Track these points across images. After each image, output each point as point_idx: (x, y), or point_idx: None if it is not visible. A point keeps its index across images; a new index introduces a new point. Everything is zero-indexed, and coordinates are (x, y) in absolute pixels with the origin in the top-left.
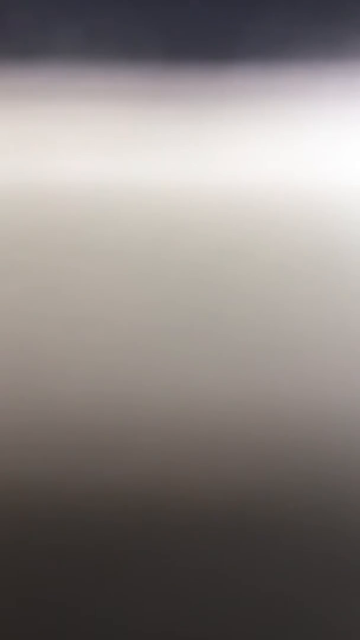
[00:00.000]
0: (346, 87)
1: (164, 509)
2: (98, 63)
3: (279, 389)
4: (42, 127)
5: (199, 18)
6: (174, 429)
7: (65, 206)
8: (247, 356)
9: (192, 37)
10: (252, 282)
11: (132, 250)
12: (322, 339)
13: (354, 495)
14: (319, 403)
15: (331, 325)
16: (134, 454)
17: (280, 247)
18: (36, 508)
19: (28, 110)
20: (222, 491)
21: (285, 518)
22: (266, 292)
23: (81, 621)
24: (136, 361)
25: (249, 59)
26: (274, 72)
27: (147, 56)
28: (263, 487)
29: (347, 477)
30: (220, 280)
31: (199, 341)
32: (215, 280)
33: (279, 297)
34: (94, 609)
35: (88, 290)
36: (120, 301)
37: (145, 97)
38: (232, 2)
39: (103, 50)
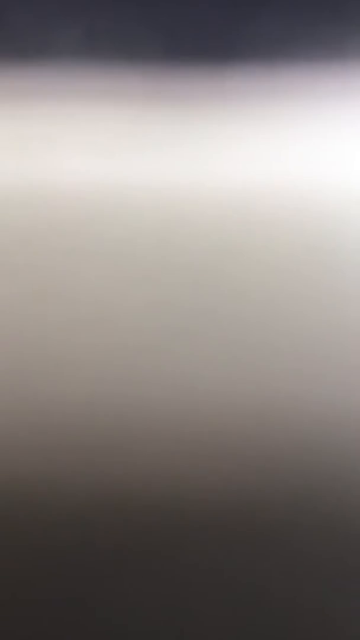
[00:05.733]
0: (347, 88)
1: (164, 509)
2: (98, 63)
3: (280, 389)
4: (42, 127)
5: (199, 18)
6: (174, 429)
7: (65, 206)
8: (248, 356)
9: (192, 37)
10: (252, 283)
11: (132, 251)
12: (323, 339)
13: (354, 495)
14: (319, 403)
15: (332, 325)
16: (135, 455)
17: (281, 247)
18: (37, 508)
19: (28, 110)
20: (223, 491)
21: (286, 518)
22: (266, 293)
23: (81, 621)
24: (137, 362)
25: (249, 59)
26: (274, 72)
27: (147, 56)
28: (264, 488)
29: (348, 476)
30: (220, 280)
31: (200, 341)
32: (215, 281)
33: (279, 298)
34: (94, 609)
35: (88, 290)
36: (121, 301)
37: (145, 97)
38: (232, 2)
39: (103, 50)
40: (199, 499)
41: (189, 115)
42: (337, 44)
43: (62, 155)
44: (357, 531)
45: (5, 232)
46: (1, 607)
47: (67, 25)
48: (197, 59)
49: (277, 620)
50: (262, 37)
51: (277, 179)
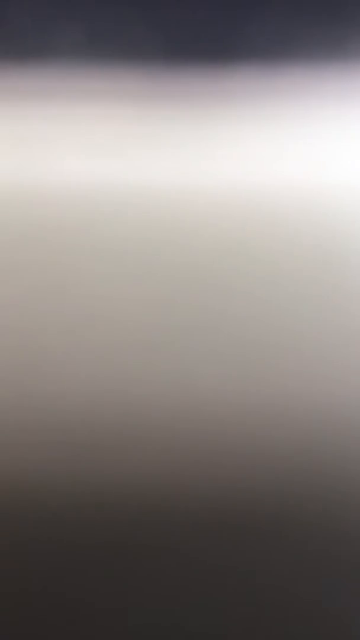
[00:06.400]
0: (346, 88)
1: (164, 506)
2: (98, 63)
3: (280, 387)
4: (42, 127)
5: (199, 18)
6: (174, 426)
7: (65, 206)
8: (248, 354)
9: (192, 37)
10: (252, 281)
11: (132, 250)
12: (323, 338)
13: (354, 494)
14: (319, 401)
15: (332, 324)
16: (135, 452)
17: (281, 246)
18: (37, 505)
19: (28, 110)
20: (223, 488)
21: (285, 516)
22: (266, 291)
23: (82, 619)
24: (137, 359)
25: (249, 59)
26: (274, 72)
27: (147, 56)
28: (264, 485)
29: (348, 475)
30: (220, 279)
31: (200, 340)
32: (215, 280)
33: (279, 296)
34: (95, 607)
35: (88, 289)
36: (121, 300)
37: (145, 97)
38: (232, 2)
39: (103, 50)
40: (198, 495)
41: (188, 115)
42: (337, 44)
43: (61, 156)
44: (357, 529)
45: (5, 231)
46: (1, 605)
47: (67, 25)
48: (197, 59)
49: (276, 618)
50: (262, 37)
51: (277, 178)
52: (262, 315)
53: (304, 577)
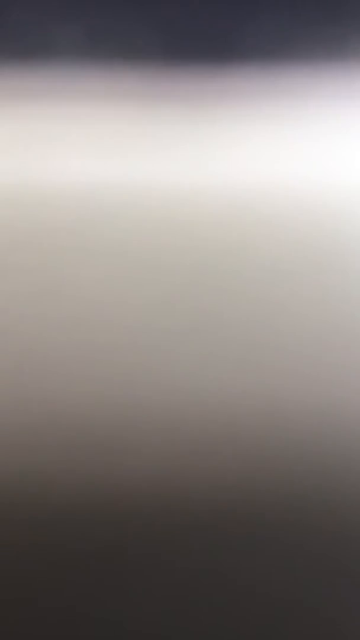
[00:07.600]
0: (346, 88)
1: (164, 507)
2: (98, 63)
3: (280, 388)
4: (42, 127)
5: (199, 18)
6: (174, 427)
7: (65, 206)
8: (248, 355)
9: (192, 37)
10: (252, 282)
11: (131, 250)
12: (323, 338)
13: (354, 494)
14: (319, 402)
15: (331, 324)
16: (135, 453)
17: (280, 246)
18: (37, 506)
19: (28, 110)
20: (223, 489)
21: (285, 517)
22: (266, 292)
23: (81, 620)
24: (137, 361)
25: (249, 59)
26: (274, 72)
27: (147, 56)
28: (263, 486)
29: (348, 475)
30: (220, 279)
31: (200, 341)
32: (214, 280)
33: (279, 297)
34: (94, 609)
35: (88, 290)
36: (120, 301)
37: (145, 97)
38: (232, 2)
39: (103, 50)
40: (198, 497)
41: (188, 115)
42: (337, 44)
43: (61, 155)
44: (357, 529)
45: (5, 232)
46: (1, 605)
47: (67, 25)
48: (197, 59)
49: (276, 617)
50: (262, 37)
51: (277, 178)
52: (262, 315)
53: (304, 576)
